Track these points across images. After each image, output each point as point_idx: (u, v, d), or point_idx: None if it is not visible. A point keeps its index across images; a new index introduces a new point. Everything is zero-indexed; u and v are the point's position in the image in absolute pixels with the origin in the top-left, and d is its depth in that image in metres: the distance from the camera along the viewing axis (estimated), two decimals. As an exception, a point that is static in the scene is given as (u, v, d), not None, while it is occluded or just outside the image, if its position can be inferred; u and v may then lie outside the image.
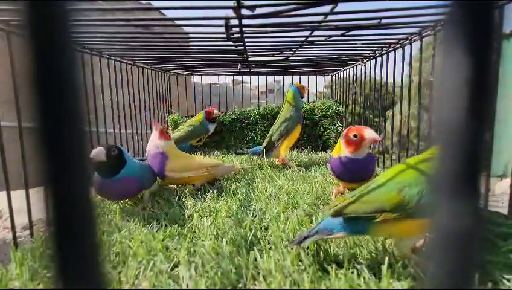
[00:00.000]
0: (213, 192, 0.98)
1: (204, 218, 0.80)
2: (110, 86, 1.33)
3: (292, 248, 0.59)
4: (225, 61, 1.49)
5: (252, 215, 0.79)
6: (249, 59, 1.40)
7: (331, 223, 0.57)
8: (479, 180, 0.11)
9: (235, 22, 0.80)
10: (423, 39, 1.01)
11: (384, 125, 1.62)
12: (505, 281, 0.49)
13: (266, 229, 0.72)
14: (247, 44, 1.07)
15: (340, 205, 0.57)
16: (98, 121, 1.21)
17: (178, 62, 1.59)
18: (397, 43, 1.14)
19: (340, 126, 1.80)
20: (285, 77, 2.07)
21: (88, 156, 0.11)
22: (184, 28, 1.01)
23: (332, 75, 2.05)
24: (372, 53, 1.34)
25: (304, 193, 0.95)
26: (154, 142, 1.07)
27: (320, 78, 2.11)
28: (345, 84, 1.81)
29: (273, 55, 1.36)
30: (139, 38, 1.13)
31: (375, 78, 1.44)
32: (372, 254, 0.59)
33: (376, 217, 0.53)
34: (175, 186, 1.11)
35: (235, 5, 0.67)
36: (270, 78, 2.04)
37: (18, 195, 0.77)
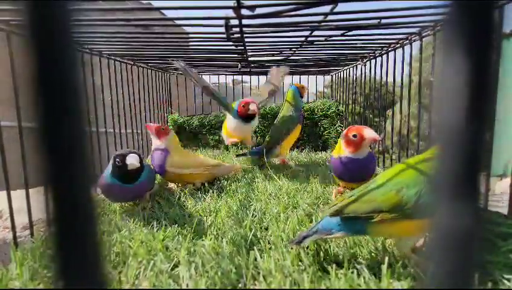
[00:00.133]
0: (213, 192, 0.98)
1: (205, 218, 0.80)
2: (110, 86, 1.33)
3: (292, 248, 0.59)
4: (225, 61, 1.49)
5: (252, 215, 0.79)
6: (249, 59, 1.40)
7: (330, 223, 0.57)
8: (479, 181, 0.11)
9: (235, 22, 0.80)
10: (423, 39, 1.01)
11: (384, 125, 1.62)
12: (505, 281, 0.49)
13: (266, 229, 0.72)
14: (247, 44, 1.08)
15: (339, 205, 0.57)
16: (98, 121, 1.21)
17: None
18: (397, 43, 1.14)
19: (340, 126, 1.80)
20: (285, 76, 2.07)
21: (89, 156, 0.11)
22: (184, 27, 1.01)
23: (332, 75, 2.05)
24: (372, 53, 1.34)
25: (304, 192, 0.95)
26: (154, 143, 1.09)
27: (320, 77, 2.10)
28: (345, 84, 1.81)
29: (273, 55, 1.36)
30: (139, 38, 1.13)
31: (375, 78, 1.44)
32: (372, 254, 0.59)
33: (374, 217, 0.53)
34: (175, 186, 1.11)
35: (235, 5, 0.67)
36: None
37: (18, 195, 0.77)
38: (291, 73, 1.94)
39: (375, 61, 1.38)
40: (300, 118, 1.37)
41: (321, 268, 0.55)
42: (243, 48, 1.11)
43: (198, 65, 1.68)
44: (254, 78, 2.05)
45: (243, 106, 1.24)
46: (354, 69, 1.64)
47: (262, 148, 1.36)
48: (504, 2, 0.62)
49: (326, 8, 0.75)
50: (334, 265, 0.55)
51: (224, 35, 0.88)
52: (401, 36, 1.06)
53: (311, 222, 0.74)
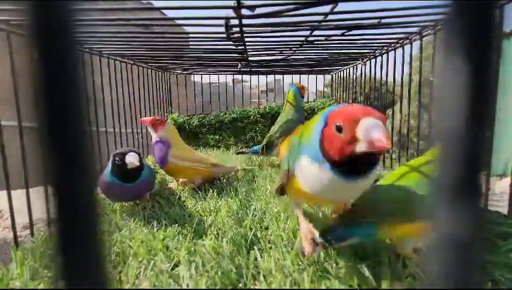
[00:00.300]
0: (213, 191, 0.98)
1: (205, 217, 0.80)
2: (110, 85, 1.33)
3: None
4: (225, 60, 1.49)
5: (252, 214, 0.79)
6: (249, 58, 1.40)
7: (342, 231, 0.57)
8: (479, 181, 0.11)
9: (235, 21, 0.80)
10: (423, 38, 1.01)
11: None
12: (505, 281, 0.49)
13: (266, 228, 0.72)
14: (247, 43, 1.07)
15: (350, 213, 0.57)
16: (98, 121, 1.21)
17: (178, 61, 1.59)
18: (397, 43, 1.14)
19: (340, 125, 1.79)
20: (285, 76, 2.07)
21: (92, 156, 0.11)
22: (184, 27, 1.01)
23: (332, 74, 2.05)
24: (372, 52, 1.34)
25: (304, 192, 0.95)
26: (153, 136, 1.09)
27: (320, 77, 2.11)
28: (345, 83, 1.81)
29: (273, 54, 1.35)
30: (139, 38, 1.13)
31: (375, 77, 1.44)
32: (372, 253, 0.59)
33: (385, 220, 0.53)
34: (175, 186, 1.11)
35: (235, 5, 0.67)
36: (270, 77, 2.04)
37: (18, 194, 0.77)
38: (292, 72, 1.95)
39: (375, 61, 1.38)
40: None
41: (321, 268, 0.55)
42: (243, 47, 1.11)
43: (198, 64, 1.68)
44: (254, 77, 2.05)
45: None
46: (354, 69, 1.64)
47: (261, 146, 1.36)
48: (504, 2, 0.62)
49: (326, 8, 0.75)
50: (334, 265, 0.55)
51: (225, 35, 0.88)
52: (401, 36, 1.06)
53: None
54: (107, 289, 0.12)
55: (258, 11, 0.71)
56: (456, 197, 0.11)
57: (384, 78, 1.34)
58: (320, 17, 0.81)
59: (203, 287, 0.51)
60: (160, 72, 1.92)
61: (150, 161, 1.44)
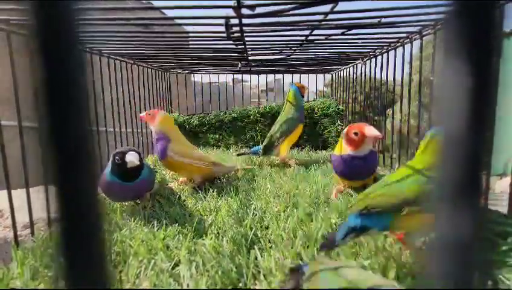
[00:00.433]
0: (213, 191, 0.98)
1: (205, 217, 0.80)
2: (110, 85, 1.33)
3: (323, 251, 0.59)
4: (225, 60, 1.49)
5: (253, 214, 0.79)
6: (249, 58, 1.40)
7: (357, 221, 0.57)
8: (480, 183, 0.11)
9: (235, 21, 0.80)
10: (423, 38, 1.01)
11: (385, 124, 1.62)
12: (505, 281, 0.49)
13: (267, 228, 0.73)
14: (247, 43, 1.07)
15: (364, 202, 0.57)
16: (98, 120, 1.21)
17: (178, 61, 1.59)
18: (397, 42, 1.14)
19: (340, 125, 1.80)
20: (285, 75, 2.07)
21: (95, 156, 0.11)
22: (184, 27, 1.01)
23: (332, 74, 2.05)
24: (372, 52, 1.34)
25: (304, 191, 0.95)
26: (153, 131, 1.09)
27: (320, 76, 2.10)
28: (345, 83, 1.81)
29: (273, 54, 1.35)
30: (139, 38, 1.13)
31: (375, 76, 1.44)
32: (372, 253, 0.60)
33: (402, 211, 0.53)
34: (176, 185, 1.11)
35: (235, 4, 0.67)
36: (270, 76, 2.04)
37: (19, 194, 0.77)
38: (292, 72, 1.95)
39: (375, 60, 1.38)
40: (301, 118, 1.37)
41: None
42: (243, 47, 1.11)
43: (198, 64, 1.68)
44: (254, 77, 2.05)
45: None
46: (354, 68, 1.64)
47: (262, 147, 1.36)
48: (504, 2, 0.62)
49: (326, 7, 0.75)
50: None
51: (225, 35, 0.88)
52: (401, 35, 1.06)
53: (311, 221, 0.74)
54: (109, 289, 0.12)
55: (258, 10, 0.71)
56: (457, 198, 0.11)
57: (384, 77, 1.34)
58: (321, 17, 0.81)
59: (204, 286, 0.51)
60: (160, 72, 1.92)
61: (149, 160, 1.44)
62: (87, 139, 0.11)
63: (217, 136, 1.88)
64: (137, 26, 0.92)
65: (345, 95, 1.82)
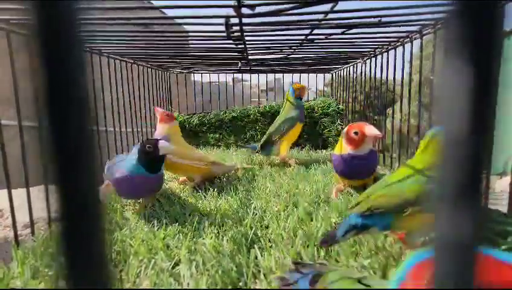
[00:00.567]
0: (213, 190, 0.98)
1: (205, 216, 0.80)
2: (110, 85, 1.33)
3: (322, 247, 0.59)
4: (225, 59, 1.49)
5: (253, 213, 0.79)
6: (249, 57, 1.40)
7: (358, 219, 0.57)
8: (481, 185, 0.11)
9: (235, 20, 0.79)
10: (423, 37, 1.01)
11: (385, 124, 1.62)
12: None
13: (267, 227, 0.73)
14: (247, 42, 1.07)
15: (366, 202, 0.57)
16: (98, 120, 1.21)
17: (178, 60, 1.59)
18: (398, 41, 1.14)
19: (340, 124, 1.80)
20: (285, 75, 2.07)
21: (96, 156, 0.11)
22: (184, 26, 1.01)
23: (332, 73, 2.05)
24: (372, 51, 1.34)
25: (305, 191, 0.95)
26: (157, 129, 1.10)
27: (320, 76, 2.10)
28: (345, 82, 1.81)
29: (273, 53, 1.35)
30: (139, 37, 1.12)
31: (375, 76, 1.44)
32: (373, 252, 0.60)
33: (404, 211, 0.53)
34: (176, 185, 1.11)
35: (236, 3, 0.67)
36: (270, 76, 2.03)
37: (19, 193, 0.77)
38: (292, 71, 1.94)
39: (376, 60, 1.38)
40: (301, 117, 1.37)
41: (321, 266, 0.55)
42: (243, 46, 1.11)
43: (198, 63, 1.68)
44: (254, 77, 2.05)
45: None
46: (354, 68, 1.63)
47: (259, 145, 1.37)
48: (505, 2, 0.62)
49: (326, 7, 0.75)
50: (334, 263, 0.55)
51: (225, 34, 0.88)
52: (401, 34, 1.06)
53: (311, 220, 0.74)
54: (110, 289, 0.12)
55: (258, 9, 0.71)
56: (457, 198, 0.11)
57: (384, 77, 1.33)
58: (321, 16, 0.81)
59: (204, 286, 0.51)
60: (160, 71, 1.92)
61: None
62: (88, 139, 0.11)
63: (217, 136, 1.88)
64: (137, 25, 0.92)
65: (345, 95, 1.82)
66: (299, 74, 2.01)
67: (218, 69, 1.92)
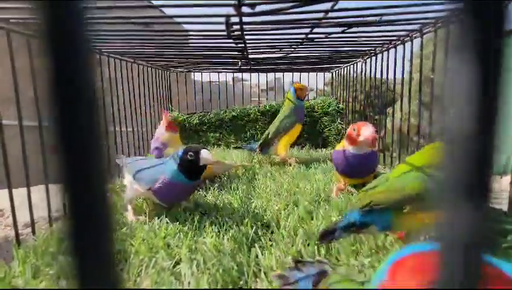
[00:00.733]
0: (214, 189, 0.99)
1: (206, 215, 0.80)
2: (110, 84, 1.33)
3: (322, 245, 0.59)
4: (225, 58, 1.49)
5: (253, 212, 0.79)
6: (249, 56, 1.40)
7: (357, 216, 0.57)
8: (489, 184, 0.11)
9: (235, 19, 0.79)
10: (424, 36, 1.01)
11: (385, 123, 1.62)
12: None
13: (267, 226, 0.73)
14: (247, 41, 1.07)
15: (366, 199, 0.57)
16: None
17: (178, 59, 1.59)
18: (398, 40, 1.14)
19: (340, 123, 1.80)
20: (285, 74, 2.07)
21: (105, 155, 0.11)
22: (184, 25, 1.01)
23: (332, 72, 2.05)
24: (372, 50, 1.34)
25: (305, 189, 0.95)
26: (159, 130, 1.11)
27: (320, 75, 2.10)
28: (345, 81, 1.81)
29: (273, 52, 1.35)
30: (139, 36, 1.12)
31: (375, 75, 1.43)
32: (373, 251, 0.60)
33: (404, 208, 0.53)
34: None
35: (236, 2, 0.67)
36: (271, 75, 2.03)
37: (20, 193, 0.77)
38: (292, 70, 1.94)
39: (376, 58, 1.38)
40: (300, 117, 1.37)
41: (322, 265, 0.55)
42: (243, 45, 1.11)
43: (198, 62, 1.68)
44: (254, 76, 2.05)
45: None
46: (355, 67, 1.63)
47: (258, 144, 1.37)
48: (507, 2, 0.62)
49: (326, 5, 0.75)
50: (334, 261, 0.55)
51: (225, 33, 0.88)
52: (401, 33, 1.06)
53: (312, 219, 0.74)
54: (118, 289, 0.12)
55: (259, 8, 0.71)
56: (463, 198, 0.11)
57: (384, 76, 1.33)
58: (321, 15, 0.81)
59: (205, 284, 0.51)
60: (160, 70, 1.92)
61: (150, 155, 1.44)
62: (97, 138, 0.11)
63: (217, 135, 1.88)
64: (137, 24, 0.92)
65: (345, 94, 1.82)
66: (299, 73, 2.01)
67: (218, 68, 1.92)
